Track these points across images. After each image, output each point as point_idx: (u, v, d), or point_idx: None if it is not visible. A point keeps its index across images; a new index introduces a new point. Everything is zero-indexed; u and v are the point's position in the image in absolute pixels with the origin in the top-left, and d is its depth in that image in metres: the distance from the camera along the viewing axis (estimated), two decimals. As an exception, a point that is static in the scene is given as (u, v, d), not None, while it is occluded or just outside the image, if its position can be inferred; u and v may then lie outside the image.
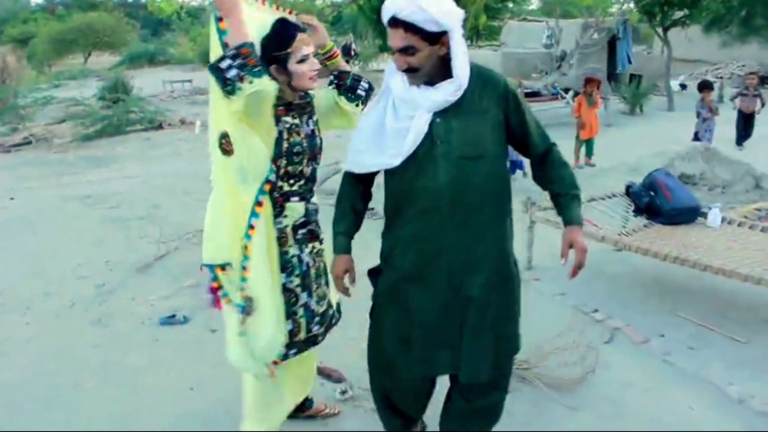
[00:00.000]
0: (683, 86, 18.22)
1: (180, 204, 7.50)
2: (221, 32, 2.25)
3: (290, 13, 2.56)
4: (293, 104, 2.54)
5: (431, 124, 2.19)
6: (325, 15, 13.60)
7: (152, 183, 8.87)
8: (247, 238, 2.39)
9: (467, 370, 2.35)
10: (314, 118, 2.64)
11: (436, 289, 2.30)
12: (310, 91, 2.61)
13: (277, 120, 2.45)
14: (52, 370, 3.65)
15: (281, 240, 2.52)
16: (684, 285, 4.83)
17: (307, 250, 2.61)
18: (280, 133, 2.46)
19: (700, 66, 24.80)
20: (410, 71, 2.17)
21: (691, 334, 4.09)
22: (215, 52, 2.26)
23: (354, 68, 26.30)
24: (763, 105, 9.84)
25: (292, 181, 2.53)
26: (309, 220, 2.61)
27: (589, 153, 9.36)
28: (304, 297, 2.60)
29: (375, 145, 2.30)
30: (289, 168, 2.50)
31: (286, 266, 2.54)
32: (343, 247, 2.45)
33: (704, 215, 5.02)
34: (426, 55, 2.13)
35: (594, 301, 4.48)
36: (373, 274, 2.51)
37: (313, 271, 2.64)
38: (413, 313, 2.35)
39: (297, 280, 2.57)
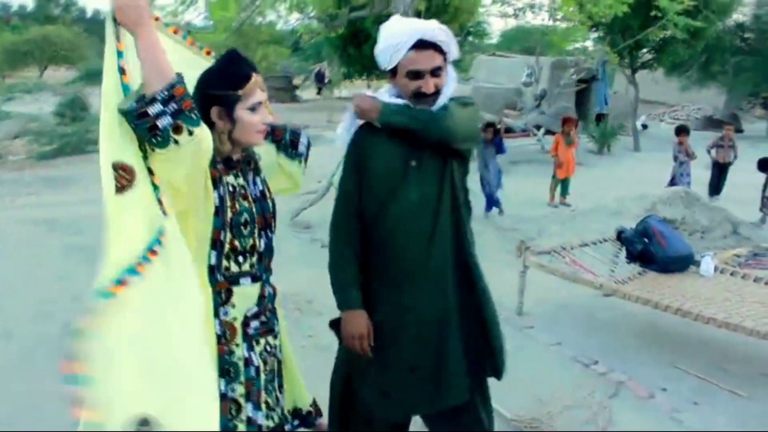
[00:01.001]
0: (644, 126, 18.62)
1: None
2: (119, 54, 1.70)
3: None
4: (233, 160, 2.01)
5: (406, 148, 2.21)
6: (302, 42, 13.49)
7: (116, 209, 8.49)
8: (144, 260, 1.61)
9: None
10: (262, 176, 2.13)
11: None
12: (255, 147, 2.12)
13: (216, 182, 1.91)
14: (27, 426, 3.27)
15: (225, 337, 1.95)
16: (679, 334, 4.74)
17: (258, 349, 2.03)
18: (221, 199, 1.92)
19: (657, 107, 25.54)
20: (433, 95, 2.18)
21: (693, 387, 3.98)
22: (109, 77, 1.68)
23: (325, 93, 26.19)
24: (736, 156, 9.97)
25: (241, 259, 1.99)
26: (264, 308, 2.07)
27: (564, 192, 9.37)
28: (248, 409, 2.00)
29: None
30: (236, 242, 1.97)
31: (227, 371, 1.94)
32: (357, 300, 2.26)
33: (697, 263, 4.97)
34: (445, 77, 2.21)
35: (591, 352, 4.35)
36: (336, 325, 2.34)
37: (263, 376, 2.04)
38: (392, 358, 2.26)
39: (241, 389, 1.97)
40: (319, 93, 27.45)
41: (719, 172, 9.95)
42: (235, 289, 1.98)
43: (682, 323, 4.83)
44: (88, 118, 14.27)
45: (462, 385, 2.27)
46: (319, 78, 24.36)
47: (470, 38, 30.91)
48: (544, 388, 3.79)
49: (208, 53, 2.10)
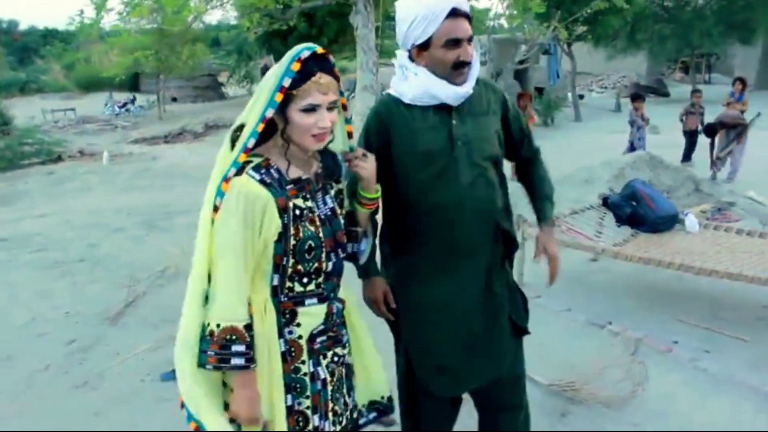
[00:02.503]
0: (581, 96, 19.17)
1: (118, 243, 6.95)
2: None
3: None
4: (303, 180, 1.86)
5: (450, 127, 2.16)
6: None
7: (74, 221, 8.19)
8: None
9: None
10: (334, 190, 1.97)
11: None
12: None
13: (282, 210, 1.79)
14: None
15: (291, 355, 1.90)
16: (673, 289, 4.96)
17: (325, 362, 1.97)
18: (285, 226, 1.80)
19: (585, 78, 26.32)
20: (468, 63, 2.13)
21: (700, 337, 4.18)
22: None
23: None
24: (702, 123, 10.29)
25: (305, 280, 1.89)
26: (332, 324, 2.00)
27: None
28: (315, 420, 1.97)
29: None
30: (300, 267, 1.87)
31: (294, 387, 1.91)
32: (374, 269, 2.28)
33: (681, 221, 5.18)
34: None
35: (600, 314, 4.49)
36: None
37: (330, 387, 2.00)
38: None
39: (307, 402, 1.93)
40: None
41: (691, 139, 10.25)
42: (299, 309, 1.90)
43: (673, 279, 5.07)
44: (22, 132, 13.58)
45: (509, 354, 2.34)
46: (265, 72, 24.06)
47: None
48: (568, 352, 3.89)
49: (344, 106, 1.96)
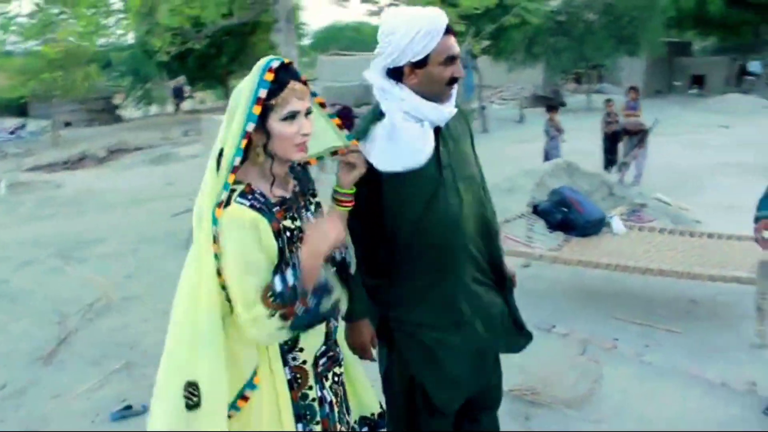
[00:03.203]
0: (483, 108, 19.75)
1: (30, 276, 6.55)
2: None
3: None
4: (287, 199, 1.83)
5: (438, 150, 2.16)
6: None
7: (-27, 257, 7.64)
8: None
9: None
10: (314, 203, 1.97)
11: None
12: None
13: (276, 234, 1.76)
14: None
15: (297, 382, 1.86)
16: (604, 290, 5.18)
17: (328, 384, 1.96)
18: (281, 250, 1.76)
19: (485, 90, 27.23)
20: (457, 80, 2.16)
21: (637, 333, 4.39)
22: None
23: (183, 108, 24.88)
24: (621, 128, 10.63)
25: None
26: (332, 344, 2.00)
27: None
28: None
29: (391, 153, 2.10)
30: None
31: (303, 415, 1.87)
32: (360, 310, 2.20)
33: (608, 225, 5.44)
34: None
35: (545, 318, 4.62)
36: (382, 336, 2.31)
37: (336, 409, 1.98)
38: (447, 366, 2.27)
39: (318, 427, 1.91)
40: (177, 109, 26.30)
41: (611, 145, 10.65)
42: (300, 335, 1.85)
43: (604, 280, 5.31)
44: None
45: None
46: (177, 93, 23.35)
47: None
48: (520, 357, 3.92)
49: (322, 104, 1.96)
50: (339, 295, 1.80)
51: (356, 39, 48.45)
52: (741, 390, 3.55)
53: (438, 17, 2.08)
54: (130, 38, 17.98)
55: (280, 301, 1.66)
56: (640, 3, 20.33)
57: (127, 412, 3.46)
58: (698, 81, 28.04)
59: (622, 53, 22.43)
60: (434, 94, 2.11)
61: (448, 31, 2.09)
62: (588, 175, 7.62)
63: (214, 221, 1.69)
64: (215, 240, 1.69)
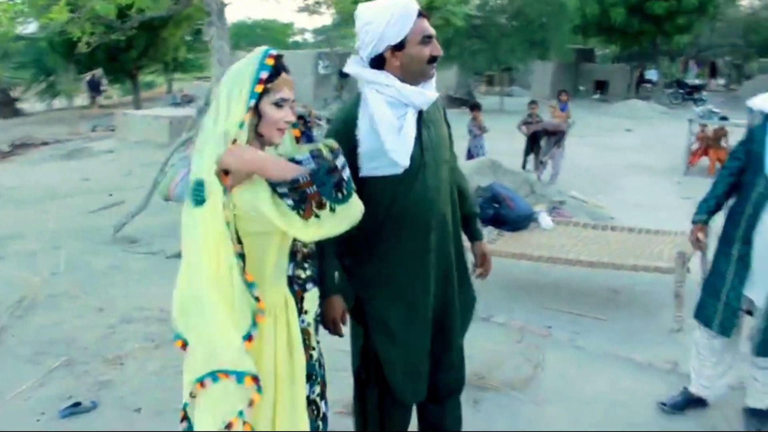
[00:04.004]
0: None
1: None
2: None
3: None
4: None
5: (420, 132, 2.29)
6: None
7: None
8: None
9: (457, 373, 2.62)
10: None
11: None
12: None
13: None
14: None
15: (305, 344, 1.97)
16: (533, 281, 5.45)
17: (319, 346, 2.12)
18: None
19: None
20: (437, 58, 2.28)
21: (567, 321, 4.67)
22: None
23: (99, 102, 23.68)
24: (538, 130, 10.89)
25: (306, 265, 2.00)
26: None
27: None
28: (323, 406, 2.08)
29: (375, 148, 2.24)
30: (305, 249, 1.99)
31: (310, 375, 1.99)
32: (332, 286, 2.30)
33: (536, 220, 5.72)
34: None
35: (481, 309, 4.81)
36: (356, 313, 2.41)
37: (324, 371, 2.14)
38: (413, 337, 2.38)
39: (318, 389, 2.05)
40: (92, 102, 25.07)
41: (532, 145, 10.94)
42: (306, 295, 1.99)
43: (533, 272, 5.58)
44: None
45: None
46: (93, 86, 22.23)
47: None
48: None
49: None
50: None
51: (266, 37, 47.92)
52: (665, 369, 3.86)
53: (409, 2, 2.21)
54: (32, 28, 17.08)
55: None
56: (550, 9, 21.20)
57: (76, 408, 3.38)
58: (601, 86, 29.44)
59: (533, 57, 23.30)
60: (417, 74, 2.23)
61: (421, 14, 2.22)
62: (510, 173, 7.94)
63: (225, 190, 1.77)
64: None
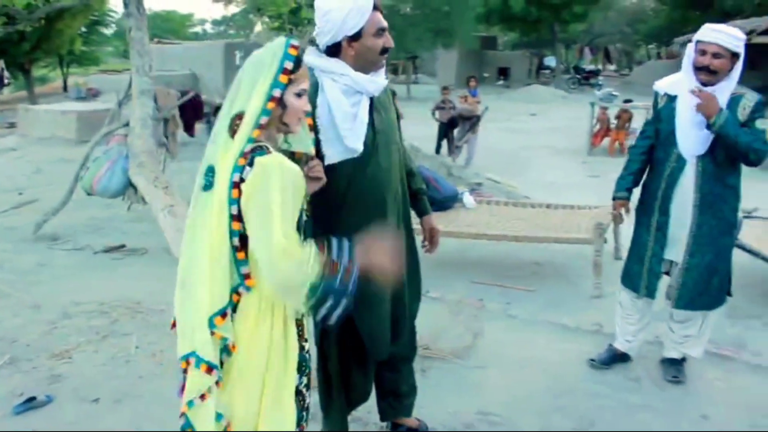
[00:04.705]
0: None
1: None
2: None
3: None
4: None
5: (373, 117, 2.46)
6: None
7: None
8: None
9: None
10: None
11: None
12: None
13: None
14: None
15: (299, 335, 2.00)
16: (460, 258, 5.73)
17: (311, 338, 2.18)
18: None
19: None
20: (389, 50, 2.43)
21: (497, 293, 4.96)
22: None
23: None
24: (455, 116, 11.22)
25: None
26: None
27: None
28: (308, 397, 2.09)
29: (333, 135, 2.38)
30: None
31: (301, 365, 2.00)
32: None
33: (460, 200, 6.01)
34: None
35: (416, 285, 5.05)
36: None
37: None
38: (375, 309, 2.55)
39: (305, 380, 2.05)
40: None
41: (448, 130, 11.23)
42: None
43: (459, 249, 5.86)
44: None
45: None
46: None
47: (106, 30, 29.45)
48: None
49: None
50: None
51: (165, 28, 46.64)
52: (591, 330, 4.21)
53: None
54: None
55: (332, 253, 1.83)
56: (454, -2, 21.76)
57: (31, 404, 3.34)
58: (503, 73, 30.49)
59: (438, 45, 23.84)
60: (370, 63, 2.38)
61: (376, 7, 2.35)
62: (429, 157, 8.25)
63: (237, 168, 1.78)
64: (236, 186, 1.78)
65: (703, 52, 3.09)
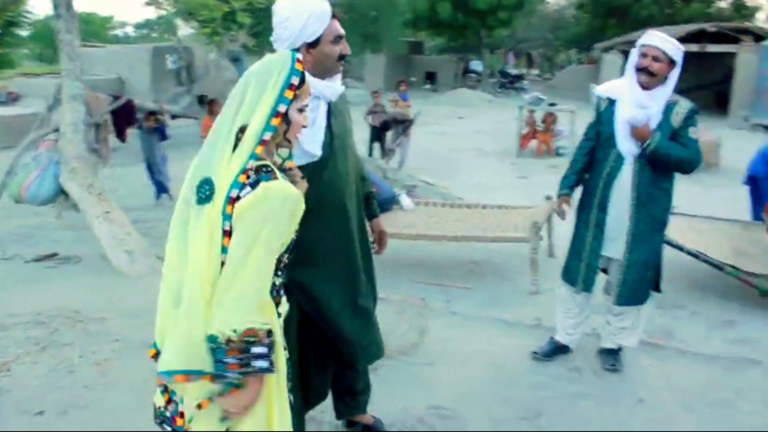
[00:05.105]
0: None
1: None
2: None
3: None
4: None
5: (329, 122, 2.52)
6: None
7: None
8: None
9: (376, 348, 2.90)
10: None
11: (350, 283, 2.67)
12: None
13: None
14: None
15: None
16: (399, 259, 5.83)
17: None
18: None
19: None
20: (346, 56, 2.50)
21: (437, 292, 5.09)
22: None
23: None
24: (387, 120, 11.27)
25: (280, 272, 1.97)
26: None
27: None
28: (291, 399, 2.09)
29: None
30: (285, 259, 1.97)
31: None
32: None
33: (398, 202, 6.12)
34: None
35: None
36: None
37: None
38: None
39: (290, 384, 2.08)
40: None
41: (379, 134, 11.28)
42: (282, 300, 2.01)
43: (395, 251, 5.93)
44: None
45: None
46: None
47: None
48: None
49: None
50: None
51: (86, 30, 45.16)
52: (531, 325, 4.39)
53: (323, 2, 2.40)
54: None
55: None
56: (382, 3, 22.01)
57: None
58: (430, 77, 30.94)
59: (366, 50, 24.04)
60: (328, 69, 2.44)
61: (334, 15, 2.42)
62: (366, 160, 8.31)
63: (236, 185, 1.75)
64: (231, 201, 1.76)
65: (644, 55, 3.30)
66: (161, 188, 8.63)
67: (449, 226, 5.53)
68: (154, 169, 8.51)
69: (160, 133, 8.54)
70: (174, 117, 11.55)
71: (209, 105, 9.90)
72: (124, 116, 7.96)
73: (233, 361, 1.73)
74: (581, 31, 33.84)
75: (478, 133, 15.48)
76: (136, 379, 3.44)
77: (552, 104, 13.05)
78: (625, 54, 21.32)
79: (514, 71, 30.91)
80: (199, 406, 1.81)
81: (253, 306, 1.78)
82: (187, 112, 12.59)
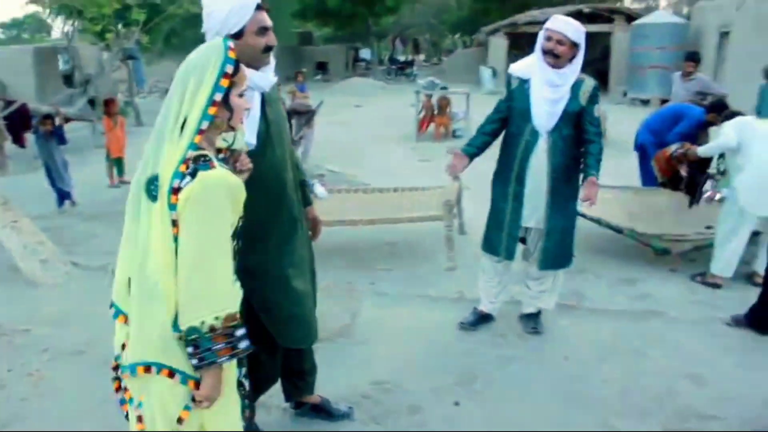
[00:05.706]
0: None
1: None
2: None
3: None
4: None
5: (263, 110, 2.58)
6: None
7: None
8: None
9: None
10: None
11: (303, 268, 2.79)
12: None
13: None
14: None
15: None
16: (319, 245, 5.88)
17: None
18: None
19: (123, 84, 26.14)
20: (272, 48, 2.55)
21: (361, 275, 5.19)
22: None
23: None
24: (288, 111, 11.16)
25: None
26: None
27: (120, 172, 9.48)
28: (247, 385, 2.19)
29: None
30: (233, 244, 1.99)
31: (241, 359, 2.04)
32: None
33: (312, 190, 6.18)
34: None
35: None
36: None
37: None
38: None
39: (244, 370, 2.15)
40: None
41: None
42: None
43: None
44: None
45: None
46: None
47: None
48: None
49: None
50: None
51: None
52: (454, 298, 4.61)
53: None
54: None
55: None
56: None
57: None
58: (322, 67, 30.92)
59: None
60: (253, 61, 2.45)
61: (259, 6, 2.45)
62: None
63: (178, 175, 1.80)
64: (175, 192, 1.80)
65: (549, 38, 3.54)
66: (63, 195, 8.25)
67: (365, 210, 5.67)
68: (54, 175, 8.11)
69: (59, 137, 8.16)
70: (67, 120, 11.02)
71: (106, 105, 9.56)
72: (20, 121, 7.56)
73: (222, 346, 1.82)
74: (465, 15, 34.80)
75: (376, 120, 15.67)
76: (71, 386, 3.39)
77: (443, 88, 13.41)
78: (510, 36, 22.24)
79: (402, 58, 31.44)
80: (180, 420, 1.88)
81: (226, 291, 1.85)
82: (83, 115, 12.03)
